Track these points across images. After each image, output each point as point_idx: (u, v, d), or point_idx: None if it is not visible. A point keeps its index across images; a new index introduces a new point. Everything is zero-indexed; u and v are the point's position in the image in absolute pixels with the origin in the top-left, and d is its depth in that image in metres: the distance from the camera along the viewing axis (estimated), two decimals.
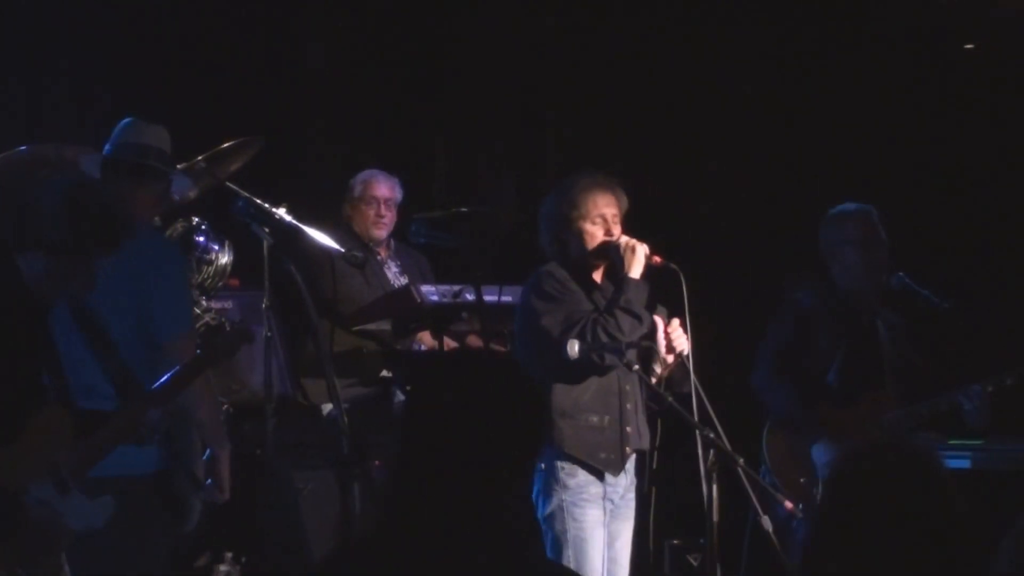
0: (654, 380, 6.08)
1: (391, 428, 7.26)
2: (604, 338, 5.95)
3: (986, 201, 8.52)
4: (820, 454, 6.55)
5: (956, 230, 8.51)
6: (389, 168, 7.94)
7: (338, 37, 8.96)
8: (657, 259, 6.10)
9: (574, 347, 5.93)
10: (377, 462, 6.81)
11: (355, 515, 6.39)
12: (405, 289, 7.19)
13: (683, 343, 6.09)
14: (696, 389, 5.89)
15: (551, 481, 6.00)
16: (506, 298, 6.71)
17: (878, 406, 6.63)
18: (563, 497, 5.96)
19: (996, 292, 8.29)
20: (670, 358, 6.10)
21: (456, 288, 6.88)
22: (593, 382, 6.04)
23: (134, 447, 4.99)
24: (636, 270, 6.06)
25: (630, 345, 5.99)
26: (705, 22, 8.86)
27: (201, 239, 6.80)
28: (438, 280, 7.43)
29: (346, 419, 5.56)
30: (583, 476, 5.99)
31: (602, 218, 6.12)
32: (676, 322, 6.11)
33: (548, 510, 5.99)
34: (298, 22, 8.85)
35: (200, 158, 6.54)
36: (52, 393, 4.62)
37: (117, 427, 4.78)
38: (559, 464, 6.00)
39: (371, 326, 7.22)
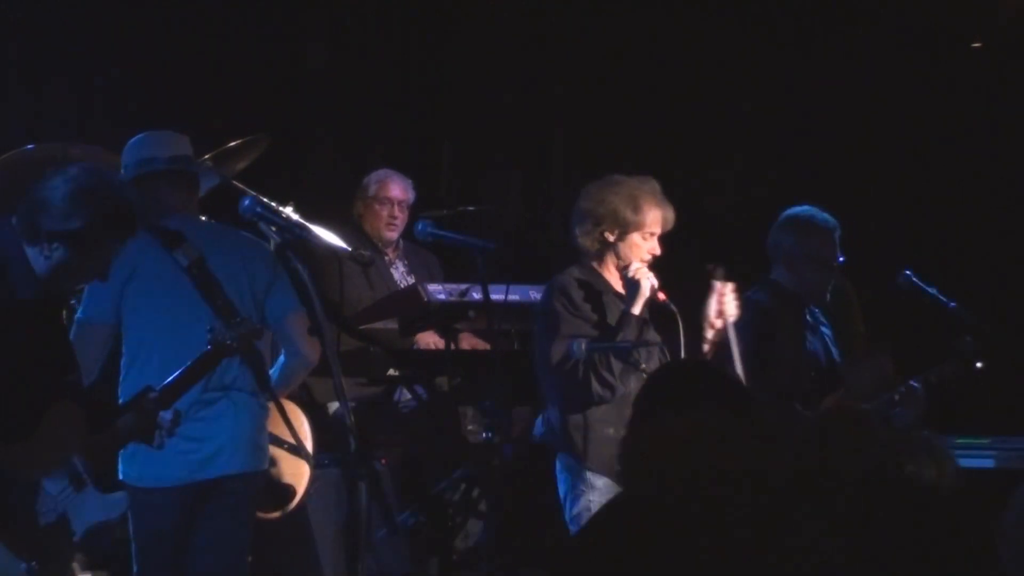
0: (705, 347, 5.94)
1: (398, 427, 7.26)
2: (596, 385, 5.79)
3: (992, 199, 8.52)
4: None
5: (961, 228, 8.50)
6: (395, 167, 7.93)
7: (344, 35, 8.96)
8: (662, 296, 5.91)
9: (582, 346, 5.85)
10: (384, 460, 6.80)
11: (362, 514, 6.37)
12: (412, 288, 7.17)
13: (733, 308, 5.94)
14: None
15: (578, 482, 5.92)
16: (513, 297, 6.68)
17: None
18: (591, 498, 5.85)
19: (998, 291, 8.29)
20: (718, 323, 5.95)
21: (463, 287, 6.86)
22: None
23: (254, 446, 5.45)
24: (638, 306, 5.87)
25: (640, 344, 5.91)
26: (711, 19, 8.85)
27: None
28: (445, 279, 7.42)
29: (352, 418, 5.54)
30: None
31: (652, 235, 5.94)
32: (731, 286, 5.96)
33: (576, 511, 5.91)
34: (305, 20, 8.84)
35: (206, 157, 6.53)
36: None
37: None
38: (585, 465, 5.93)
39: (378, 325, 7.20)
